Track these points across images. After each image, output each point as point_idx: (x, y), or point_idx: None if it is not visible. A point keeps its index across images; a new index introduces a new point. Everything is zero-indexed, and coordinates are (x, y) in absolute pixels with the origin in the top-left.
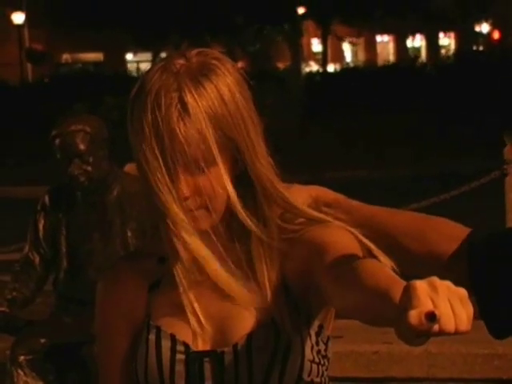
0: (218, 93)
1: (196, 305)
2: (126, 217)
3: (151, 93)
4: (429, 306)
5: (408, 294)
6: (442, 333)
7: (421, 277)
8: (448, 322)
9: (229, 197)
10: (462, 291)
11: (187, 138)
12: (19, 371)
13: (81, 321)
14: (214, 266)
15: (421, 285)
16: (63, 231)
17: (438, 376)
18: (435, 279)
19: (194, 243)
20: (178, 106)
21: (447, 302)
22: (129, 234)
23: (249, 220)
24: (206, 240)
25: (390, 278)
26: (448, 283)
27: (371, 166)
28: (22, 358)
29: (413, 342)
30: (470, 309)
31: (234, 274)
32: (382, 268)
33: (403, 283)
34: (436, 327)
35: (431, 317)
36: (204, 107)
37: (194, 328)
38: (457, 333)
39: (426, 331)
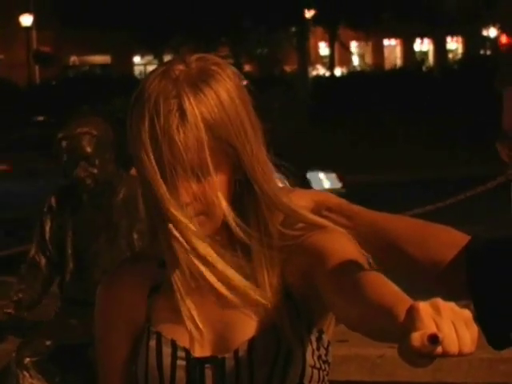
0: (218, 99)
1: (194, 311)
2: (132, 219)
3: (150, 100)
4: (432, 329)
5: (411, 316)
6: (445, 355)
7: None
8: (451, 344)
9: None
10: (467, 313)
11: (186, 145)
12: (24, 373)
13: (86, 322)
14: (222, 266)
15: (424, 307)
16: (69, 233)
17: (443, 380)
18: (439, 301)
19: (201, 246)
20: (177, 113)
21: (451, 325)
22: (135, 236)
23: (241, 232)
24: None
25: (395, 294)
26: (452, 305)
27: (375, 169)
28: (27, 359)
29: (416, 363)
30: (475, 331)
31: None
32: (387, 283)
33: (408, 300)
34: (439, 349)
35: (434, 339)
36: (203, 114)
37: (192, 334)
38: (460, 355)
39: (428, 353)
